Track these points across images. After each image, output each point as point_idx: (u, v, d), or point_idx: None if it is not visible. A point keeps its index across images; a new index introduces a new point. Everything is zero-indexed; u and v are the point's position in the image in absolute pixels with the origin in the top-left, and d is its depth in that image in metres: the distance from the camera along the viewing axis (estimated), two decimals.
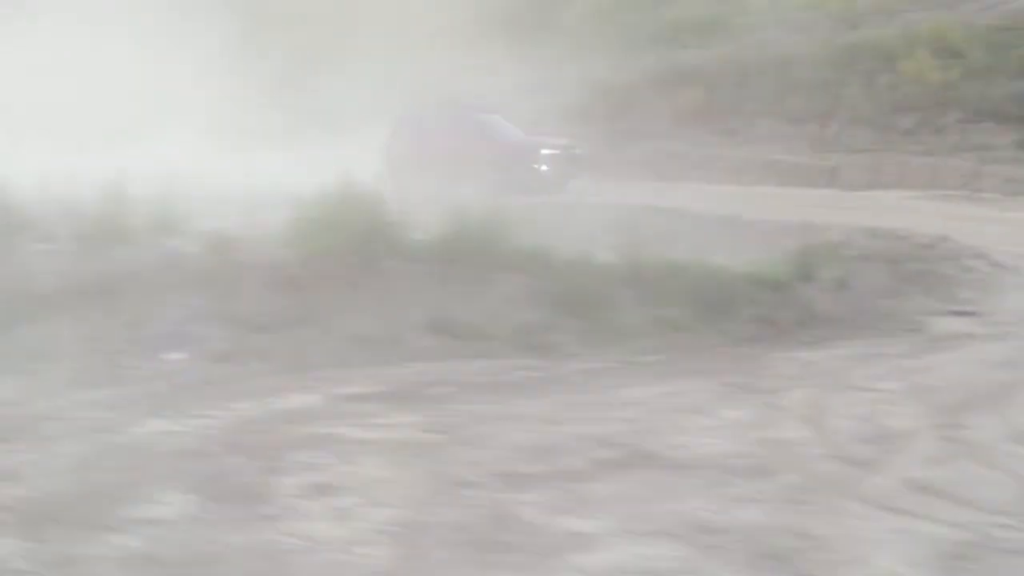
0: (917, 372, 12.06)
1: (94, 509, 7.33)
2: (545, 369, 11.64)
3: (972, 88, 29.09)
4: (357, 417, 9.58)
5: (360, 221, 12.45)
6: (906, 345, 13.42)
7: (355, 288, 12.27)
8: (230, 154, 27.25)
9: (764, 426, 10.12)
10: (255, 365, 11.19)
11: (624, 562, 7.22)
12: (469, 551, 6.94)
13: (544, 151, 26.87)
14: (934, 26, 31.74)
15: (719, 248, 16.94)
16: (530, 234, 13.63)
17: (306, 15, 40.36)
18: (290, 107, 32.39)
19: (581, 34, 41.35)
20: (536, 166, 26.62)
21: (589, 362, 12.01)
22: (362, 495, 7.73)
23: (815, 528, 7.89)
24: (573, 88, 33.91)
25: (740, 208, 22.91)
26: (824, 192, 27.07)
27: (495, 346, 12.12)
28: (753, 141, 31.31)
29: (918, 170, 27.64)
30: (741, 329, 13.45)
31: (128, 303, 11.93)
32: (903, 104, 29.98)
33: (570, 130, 28.97)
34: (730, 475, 8.92)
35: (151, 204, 13.93)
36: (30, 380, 10.47)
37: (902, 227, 20.90)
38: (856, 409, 10.66)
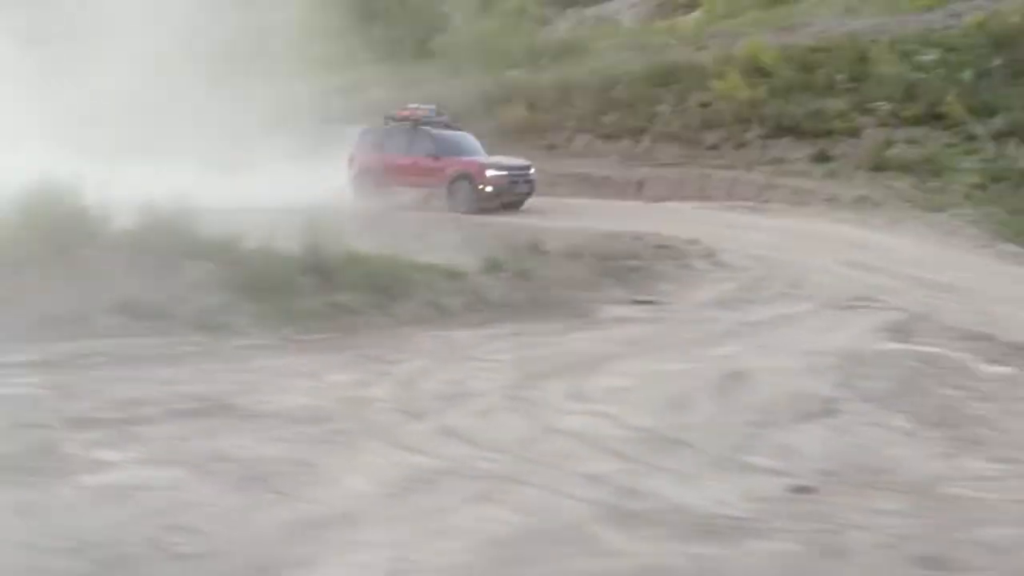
0: (543, 348, 13.49)
1: None
2: (207, 345, 12.81)
3: (776, 106, 30.64)
4: None
5: (56, 213, 13.61)
6: (560, 327, 14.86)
7: (49, 274, 13.44)
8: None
9: (358, 387, 11.45)
10: None
11: (123, 481, 8.54)
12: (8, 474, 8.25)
13: (490, 172, 27.22)
14: (750, 47, 33.32)
15: (454, 247, 18.30)
16: (223, 227, 14.79)
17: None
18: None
19: (453, 58, 43.26)
20: (481, 187, 27.00)
21: (255, 340, 13.24)
22: None
23: (318, 460, 9.25)
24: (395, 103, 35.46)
25: (529, 215, 24.68)
26: (628, 203, 28.49)
27: (174, 325, 13.26)
28: (571, 155, 32.73)
29: (718, 183, 29.10)
30: (410, 312, 14.78)
31: None
32: (711, 121, 31.48)
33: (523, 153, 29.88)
34: (289, 422, 10.24)
35: None
36: None
37: (661, 232, 22.40)
38: (455, 375, 12.03)
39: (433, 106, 29.88)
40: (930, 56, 31.08)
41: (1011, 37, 31.32)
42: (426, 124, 28.85)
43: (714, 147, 30.96)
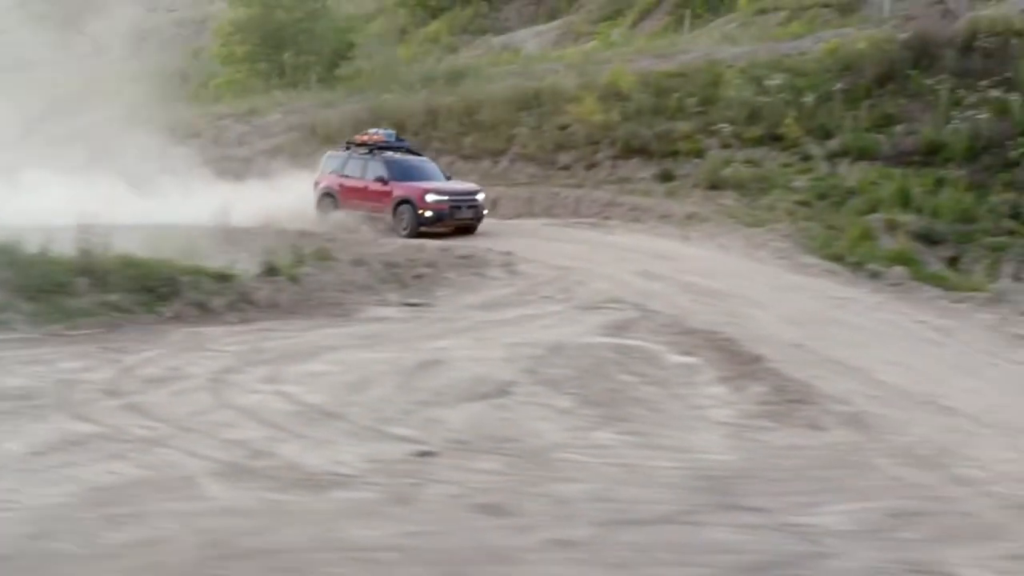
0: (279, 341, 14.95)
1: None
2: None
3: (627, 128, 32.09)
4: None
5: None
6: (312, 324, 16.30)
7: None
8: None
9: (82, 372, 12.90)
10: None
11: None
12: None
13: (430, 198, 27.29)
14: (612, 74, 34.86)
15: (246, 250, 19.59)
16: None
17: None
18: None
19: (355, 84, 44.84)
20: (421, 211, 27.19)
21: (20, 334, 14.61)
22: None
23: None
24: (291, 127, 37.00)
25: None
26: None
27: None
28: None
29: (565, 201, 30.44)
30: (174, 311, 16.18)
31: None
32: (565, 143, 32.91)
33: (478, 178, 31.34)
34: None
35: None
36: None
37: (491, 246, 23.83)
38: (178, 363, 13.46)
39: (392, 132, 30.50)
40: (776, 81, 32.56)
41: (856, 62, 32.87)
42: (385, 149, 29.32)
43: (566, 167, 32.37)
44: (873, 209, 27.26)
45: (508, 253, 22.91)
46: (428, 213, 27.09)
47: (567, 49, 46.40)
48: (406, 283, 19.72)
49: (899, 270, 24.19)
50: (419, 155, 30.09)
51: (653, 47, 42.18)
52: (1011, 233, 26.30)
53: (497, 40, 53.27)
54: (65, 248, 16.28)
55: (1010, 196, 27.31)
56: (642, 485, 10.24)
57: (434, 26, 57.27)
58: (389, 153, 29.09)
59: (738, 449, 11.54)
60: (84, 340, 14.47)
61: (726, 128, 31.46)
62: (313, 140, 36.02)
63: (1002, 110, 29.56)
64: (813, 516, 9.73)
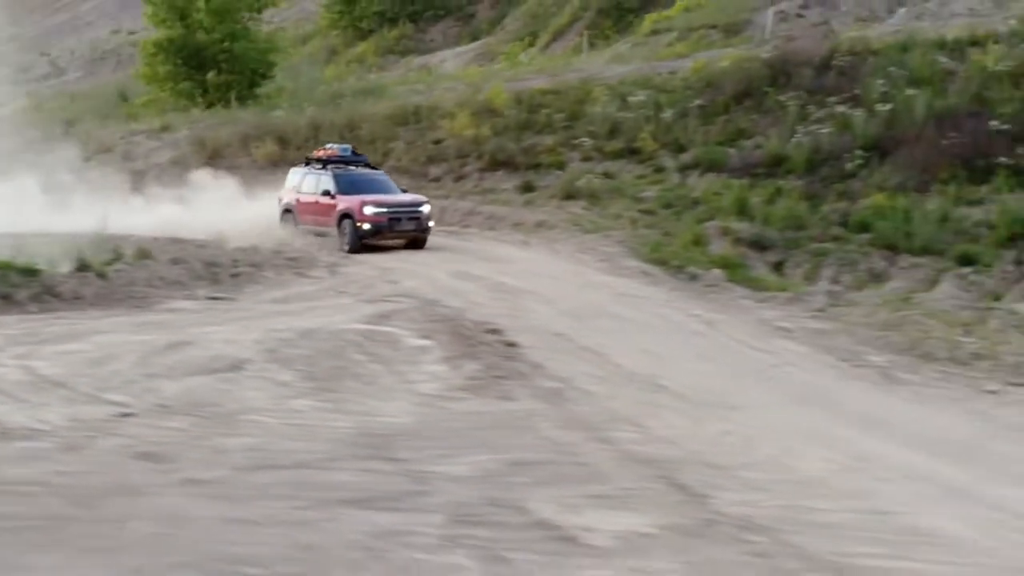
0: (59, 327, 16.40)
1: None
2: None
3: (496, 142, 33.68)
4: None
5: None
6: (108, 314, 17.77)
7: None
8: None
9: None
10: None
11: None
12: None
13: (368, 210, 27.15)
14: (490, 91, 36.50)
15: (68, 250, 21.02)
16: None
17: None
18: None
19: (270, 102, 46.50)
20: (359, 224, 27.11)
21: None
22: None
23: None
24: (185, 142, 38.59)
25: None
26: None
27: None
28: None
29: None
30: None
31: None
32: (437, 156, 34.48)
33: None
34: None
35: None
36: None
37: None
38: None
39: (348, 146, 30.48)
40: (640, 97, 34.18)
41: (717, 80, 34.52)
42: (340, 163, 29.36)
43: (436, 179, 33.89)
44: (711, 217, 28.79)
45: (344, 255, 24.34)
46: (366, 226, 26.99)
47: (470, 69, 47.98)
48: (220, 280, 21.24)
49: (717, 272, 25.69)
50: (374, 168, 30.15)
51: (551, 67, 43.84)
52: (837, 239, 27.73)
53: (418, 60, 54.88)
54: None
55: (841, 205, 28.79)
56: (304, 440, 11.71)
57: (362, 47, 58.87)
58: (341, 167, 29.08)
59: (418, 415, 13.01)
60: None
61: (587, 142, 33.01)
62: (202, 154, 37.37)
63: (844, 125, 31.10)
64: (441, 465, 11.18)
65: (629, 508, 10.23)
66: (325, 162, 29.25)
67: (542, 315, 19.18)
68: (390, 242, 27.17)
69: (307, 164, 29.65)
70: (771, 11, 42.18)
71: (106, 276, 19.48)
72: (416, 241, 27.63)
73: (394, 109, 37.00)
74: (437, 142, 34.81)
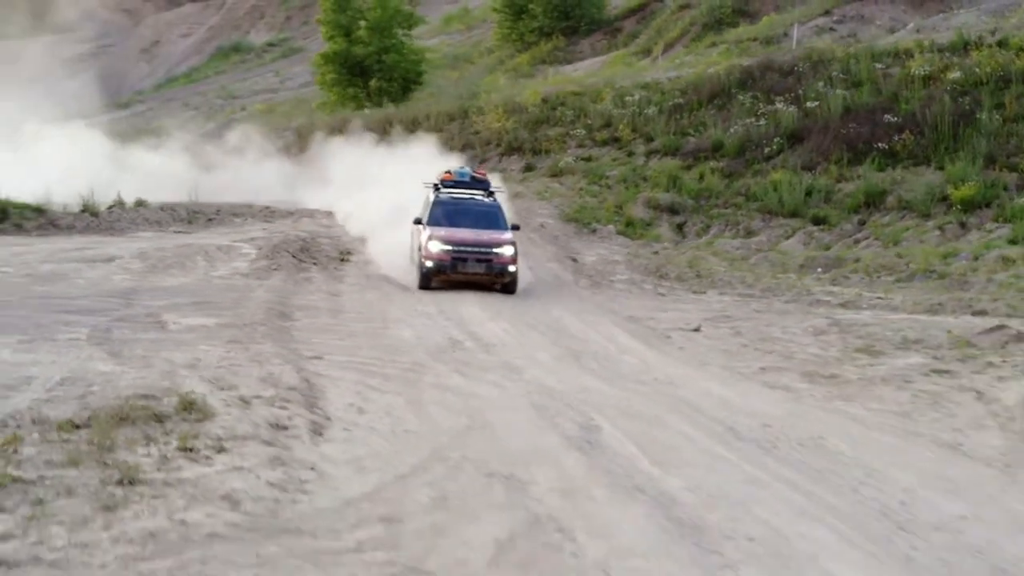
0: (38, 244, 25.28)
1: None
2: None
3: (515, 133, 41.50)
4: None
5: None
6: (76, 236, 26.53)
7: None
8: None
9: None
10: None
11: None
12: None
13: (432, 246, 23.83)
14: (528, 93, 44.36)
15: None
16: None
17: None
18: None
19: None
20: (422, 260, 24.08)
21: None
22: None
23: None
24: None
25: None
26: None
27: None
28: None
29: None
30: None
31: None
32: (470, 143, 42.42)
33: None
34: None
35: None
36: None
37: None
38: None
39: (467, 170, 26.90)
40: (635, 97, 41.41)
41: (699, 83, 41.42)
42: (455, 187, 26.17)
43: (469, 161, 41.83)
44: (650, 190, 35.85)
45: (326, 213, 32.66)
46: (428, 263, 23.49)
47: (574, 74, 55.58)
48: (194, 223, 29.80)
49: (611, 228, 32.92)
50: (490, 196, 26.19)
51: (629, 71, 51.09)
52: (734, 206, 34.59)
53: (557, 69, 62.47)
54: None
55: (750, 180, 35.49)
56: (94, 292, 20.07)
57: (520, 58, 66.92)
58: (447, 192, 25.79)
59: (188, 282, 21.27)
60: None
61: (582, 132, 40.46)
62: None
63: (776, 119, 37.62)
64: (149, 300, 19.36)
65: (213, 316, 18.09)
66: (439, 186, 26.05)
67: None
68: (461, 278, 23.88)
69: (435, 188, 26.06)
70: (796, 25, 48.16)
71: (97, 215, 28.20)
72: (503, 287, 24.02)
73: (450, 107, 44.98)
74: (475, 132, 42.52)
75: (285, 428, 11.60)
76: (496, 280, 23.95)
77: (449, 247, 23.71)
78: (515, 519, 9.36)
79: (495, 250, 23.89)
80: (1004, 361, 16.75)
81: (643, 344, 18.15)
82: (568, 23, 67.16)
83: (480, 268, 23.89)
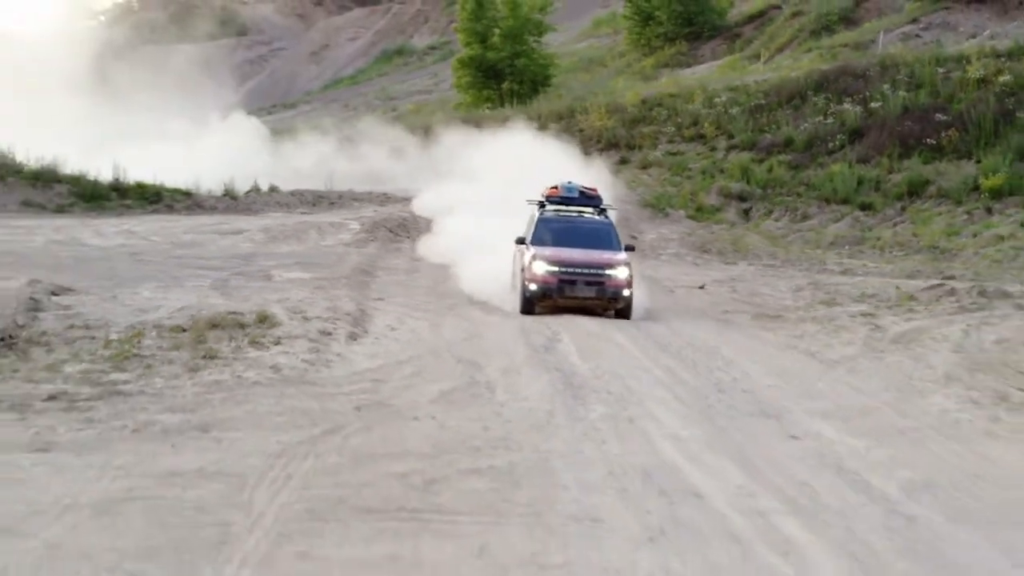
0: (175, 221, 30.97)
1: None
2: None
3: (613, 131, 46.11)
4: None
5: None
6: (220, 214, 32.15)
7: None
8: None
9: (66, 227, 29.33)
10: None
11: None
12: None
13: (537, 267, 21.12)
14: (629, 94, 48.96)
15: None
16: None
17: None
18: None
19: None
20: (526, 283, 21.33)
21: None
22: None
23: None
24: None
25: None
26: None
27: None
28: None
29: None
30: (157, 207, 32.41)
31: None
32: (575, 140, 47.00)
33: None
34: None
35: None
36: None
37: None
38: (94, 225, 29.74)
39: (575, 185, 23.78)
40: (722, 98, 45.79)
41: (780, 86, 45.61)
42: (562, 203, 23.39)
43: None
44: (723, 180, 40.27)
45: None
46: (532, 286, 20.85)
47: (691, 77, 59.86)
48: (317, 206, 35.17)
49: (681, 212, 37.49)
50: (603, 213, 23.51)
51: (735, 74, 55.32)
52: (796, 195, 38.81)
53: (677, 72, 66.77)
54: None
55: (813, 172, 39.70)
56: (221, 252, 25.53)
57: (646, 61, 71.36)
58: (552, 209, 23.10)
59: (301, 249, 26.62)
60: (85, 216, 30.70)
61: (672, 129, 44.98)
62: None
63: (843, 118, 41.71)
64: (261, 261, 24.75)
65: (311, 272, 23.35)
66: (544, 203, 23.30)
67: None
68: (568, 303, 21.09)
69: (540, 205, 23.31)
70: (882, 32, 51.89)
71: (236, 198, 33.71)
72: (616, 313, 21.20)
73: (559, 106, 49.76)
74: (580, 130, 47.19)
75: (329, 334, 16.59)
76: (609, 305, 21.02)
77: (556, 268, 20.78)
78: (460, 382, 14.21)
79: (607, 272, 20.97)
80: (926, 309, 20.93)
81: (646, 296, 22.63)
82: (691, 29, 71.05)
83: (591, 292, 20.90)
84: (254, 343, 15.44)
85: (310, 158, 43.83)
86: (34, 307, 16.51)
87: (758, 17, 71.31)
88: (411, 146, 45.18)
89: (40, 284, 17.99)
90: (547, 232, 22.26)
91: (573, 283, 21.05)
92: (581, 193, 23.67)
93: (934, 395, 14.25)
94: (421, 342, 16.93)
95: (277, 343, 15.60)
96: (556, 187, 23.51)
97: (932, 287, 22.96)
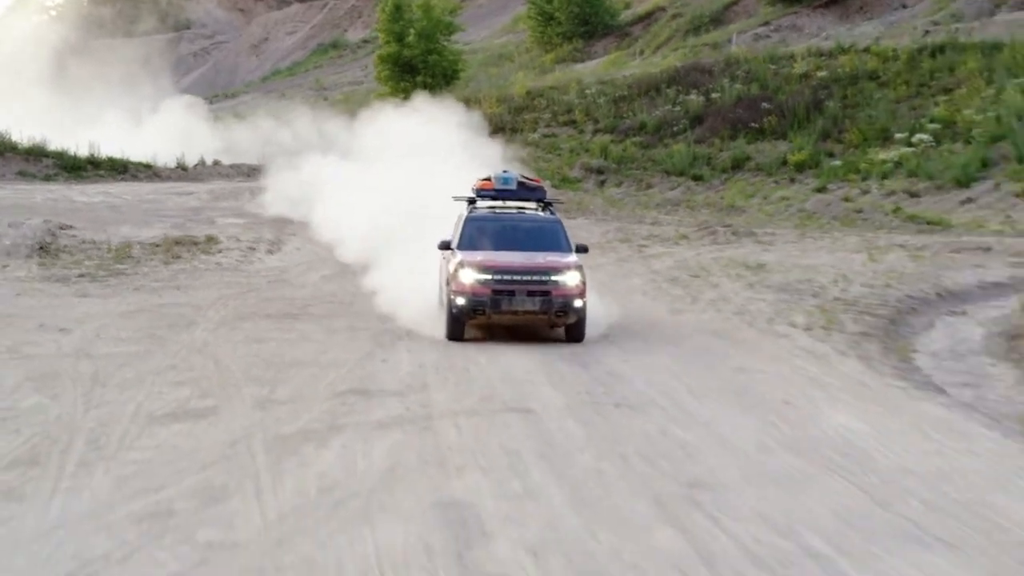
0: (133, 186, 39.08)
1: None
2: None
3: (500, 117, 54.37)
4: None
5: None
6: (175, 183, 40.24)
7: None
8: None
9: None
10: None
11: None
12: None
13: (465, 276, 16.61)
14: (517, 85, 57.21)
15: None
16: None
17: None
18: None
19: None
20: (453, 296, 16.74)
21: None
22: None
23: None
24: None
25: None
26: None
27: None
28: None
29: None
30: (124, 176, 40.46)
31: None
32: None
33: None
34: None
35: None
36: None
37: None
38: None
39: (512, 174, 19.65)
40: (592, 90, 54.21)
41: (640, 80, 54.03)
42: (498, 199, 19.09)
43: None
44: (586, 157, 48.58)
45: None
46: (460, 300, 16.70)
47: (580, 70, 68.13)
48: (252, 175, 43.20)
49: (548, 183, 45.55)
50: (546, 206, 19.35)
51: (615, 68, 63.72)
52: (643, 168, 47.11)
53: (568, 66, 74.86)
54: None
55: (660, 151, 48.03)
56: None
57: (545, 57, 79.50)
58: (485, 206, 18.99)
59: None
60: (68, 183, 38.75)
61: (548, 116, 53.34)
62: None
63: (687, 106, 50.19)
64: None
65: (244, 219, 31.45)
66: (473, 199, 19.13)
67: None
68: (509, 320, 17.23)
69: (470, 201, 19.09)
70: (736, 34, 60.57)
71: (186, 169, 41.66)
72: (566, 331, 17.25)
73: (463, 94, 57.96)
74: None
75: (254, 249, 24.84)
76: (556, 321, 16.93)
77: (488, 276, 16.68)
78: (335, 272, 22.49)
79: (554, 278, 16.77)
80: (689, 243, 29.33)
81: None
82: (586, 28, 79.07)
83: (533, 304, 16.72)
84: (204, 252, 23.70)
85: (248, 138, 51.73)
86: (52, 234, 24.49)
87: (646, 17, 79.50)
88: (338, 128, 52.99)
89: (51, 222, 25.89)
90: (478, 233, 17.82)
91: (511, 294, 16.61)
92: (520, 184, 19.08)
93: (637, 279, 22.65)
94: (316, 255, 25.14)
95: (219, 252, 23.88)
96: (489, 179, 19.11)
97: (701, 229, 31.33)
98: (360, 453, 10.41)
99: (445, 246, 17.96)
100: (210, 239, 25.23)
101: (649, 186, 43.99)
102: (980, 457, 10.70)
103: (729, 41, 60.95)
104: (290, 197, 30.45)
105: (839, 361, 15.24)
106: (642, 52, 69.69)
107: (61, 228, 25.62)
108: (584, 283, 16.95)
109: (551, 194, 20.65)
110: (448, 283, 17.04)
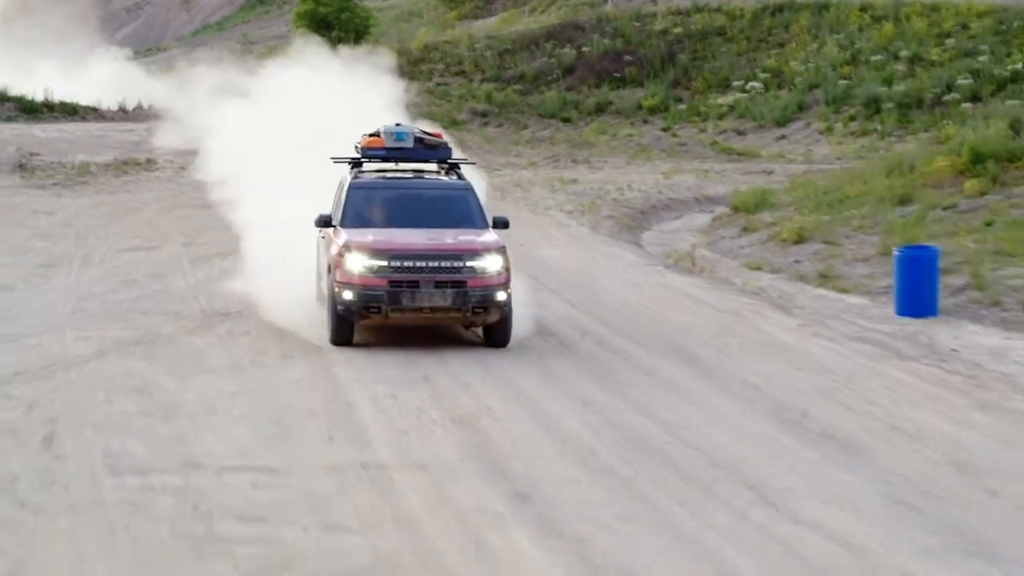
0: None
1: None
2: None
3: (404, 69, 61.21)
4: None
5: None
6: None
7: None
8: None
9: None
10: None
11: None
12: None
13: (352, 262, 12.63)
14: (416, 42, 64.04)
15: None
16: None
17: None
18: None
19: None
20: (337, 289, 12.75)
21: None
22: None
23: None
24: None
25: None
26: None
27: None
28: None
29: None
30: None
31: None
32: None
33: None
34: None
35: None
36: None
37: None
38: None
39: (407, 129, 15.05)
40: (481, 44, 61.12)
41: (523, 35, 60.97)
42: (390, 160, 14.77)
43: None
44: (473, 102, 55.60)
45: None
46: (347, 294, 12.84)
47: (480, 26, 74.87)
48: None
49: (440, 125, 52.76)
50: (451, 168, 15.00)
51: (507, 25, 70.54)
52: (521, 112, 54.16)
53: (468, 23, 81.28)
54: None
55: (536, 97, 55.05)
56: None
57: (451, 14, 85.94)
58: (374, 169, 14.82)
59: None
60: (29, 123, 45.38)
61: (442, 67, 60.26)
62: None
63: (561, 58, 57.25)
64: None
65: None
66: (359, 160, 14.84)
67: None
68: (412, 320, 13.36)
69: (354, 164, 14.82)
70: None
71: (127, 112, 48.19)
72: (486, 332, 13.51)
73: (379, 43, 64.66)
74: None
75: (185, 169, 31.65)
76: (473, 318, 13.21)
77: (383, 263, 12.91)
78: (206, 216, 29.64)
79: (469, 264, 13.05)
80: (534, 168, 36.45)
81: None
82: None
83: (443, 299, 12.91)
84: (145, 170, 30.63)
85: (177, 87, 58.13)
86: (27, 158, 31.31)
87: None
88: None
89: (23, 150, 32.69)
90: (366, 205, 14.06)
91: (414, 285, 12.88)
92: (418, 141, 14.79)
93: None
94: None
95: (157, 170, 30.74)
96: (377, 134, 14.62)
97: (548, 158, 38.61)
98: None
99: (324, 222, 13.82)
100: (150, 161, 32.07)
101: (524, 127, 50.83)
102: (607, 259, 18.22)
103: (606, 1, 67.91)
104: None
105: (575, 228, 22.60)
106: (533, 11, 76.36)
107: (31, 155, 32.34)
108: (508, 269, 13.14)
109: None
110: (330, 271, 13.22)
